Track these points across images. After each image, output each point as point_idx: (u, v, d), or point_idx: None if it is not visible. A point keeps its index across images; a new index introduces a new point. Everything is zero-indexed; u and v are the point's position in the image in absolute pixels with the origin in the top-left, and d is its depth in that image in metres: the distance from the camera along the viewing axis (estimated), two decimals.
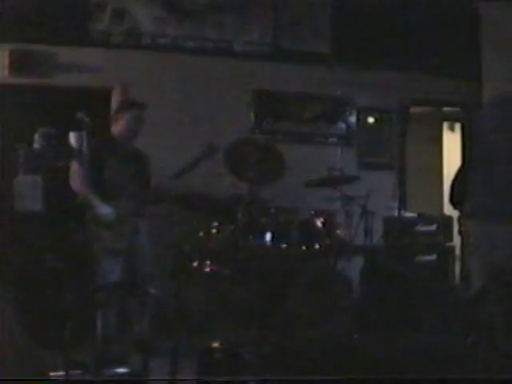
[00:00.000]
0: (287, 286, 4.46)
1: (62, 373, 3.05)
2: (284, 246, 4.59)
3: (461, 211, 3.00)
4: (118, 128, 4.33)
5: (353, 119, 6.30)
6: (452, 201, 3.03)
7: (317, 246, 4.67)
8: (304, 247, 4.64)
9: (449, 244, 5.63)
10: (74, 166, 4.20)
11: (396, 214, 5.66)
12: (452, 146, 7.20)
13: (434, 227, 5.58)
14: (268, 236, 4.56)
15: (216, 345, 3.61)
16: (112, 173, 4.19)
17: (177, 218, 4.72)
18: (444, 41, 6.25)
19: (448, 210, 5.03)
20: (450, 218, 5.51)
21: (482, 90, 6.04)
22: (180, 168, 4.29)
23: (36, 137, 5.07)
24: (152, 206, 4.67)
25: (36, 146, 5.07)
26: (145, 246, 4.36)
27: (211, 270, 4.50)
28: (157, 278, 4.19)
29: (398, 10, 6.09)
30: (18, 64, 5.18)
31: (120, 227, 4.15)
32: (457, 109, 6.90)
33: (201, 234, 4.60)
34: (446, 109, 7.21)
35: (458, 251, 5.63)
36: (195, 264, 4.54)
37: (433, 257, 5.50)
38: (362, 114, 6.33)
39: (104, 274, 4.06)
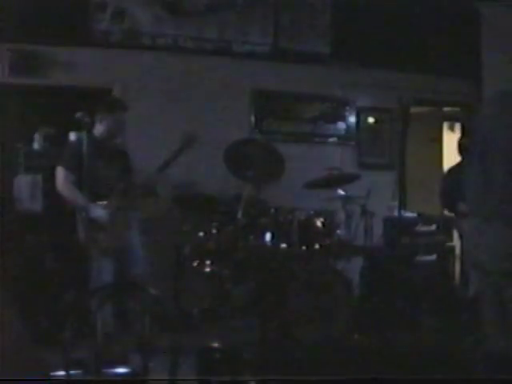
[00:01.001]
0: (287, 286, 4.45)
1: (62, 372, 3.06)
2: (284, 246, 4.59)
3: (455, 212, 2.99)
4: (100, 129, 4.29)
5: (353, 119, 6.30)
6: (445, 202, 3.02)
7: (317, 246, 4.66)
8: (304, 247, 4.64)
9: (449, 244, 5.63)
10: (61, 171, 4.14)
11: (396, 213, 5.65)
12: (452, 145, 7.18)
13: (433, 227, 5.58)
14: (268, 236, 4.55)
15: (216, 345, 3.61)
16: (100, 173, 4.16)
17: (176, 217, 4.72)
18: (444, 40, 6.25)
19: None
20: (449, 218, 5.50)
21: (482, 90, 6.04)
22: (162, 161, 4.29)
23: (36, 137, 5.07)
24: (151, 206, 4.67)
25: (36, 145, 5.07)
26: (139, 244, 4.36)
27: (211, 269, 4.50)
28: (156, 277, 4.19)
29: (398, 10, 6.09)
30: (18, 64, 5.18)
31: (115, 226, 4.14)
32: (457, 109, 6.89)
33: (201, 233, 4.60)
34: (445, 109, 7.21)
35: (457, 251, 5.63)
36: (195, 264, 4.54)
37: (433, 257, 5.50)
38: (362, 113, 6.34)
39: (101, 274, 4.04)
